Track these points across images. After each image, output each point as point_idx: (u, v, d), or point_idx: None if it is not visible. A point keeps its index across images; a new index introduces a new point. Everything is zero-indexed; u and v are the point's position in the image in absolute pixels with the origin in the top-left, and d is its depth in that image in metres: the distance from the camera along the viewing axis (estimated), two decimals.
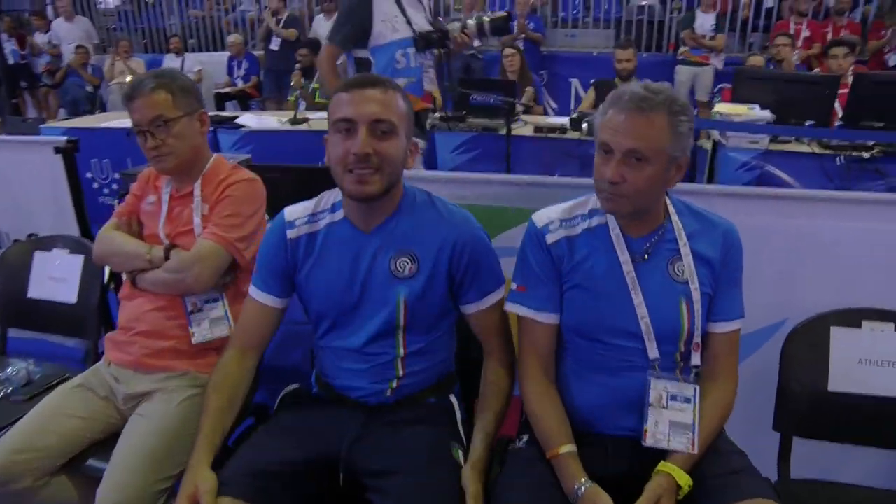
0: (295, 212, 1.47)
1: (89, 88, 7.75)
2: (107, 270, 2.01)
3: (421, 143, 2.95)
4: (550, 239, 1.39)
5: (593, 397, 1.37)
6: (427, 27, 2.78)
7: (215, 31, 9.14)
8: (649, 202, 1.32)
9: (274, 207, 1.96)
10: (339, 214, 1.43)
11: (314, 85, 5.53)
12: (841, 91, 3.87)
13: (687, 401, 1.32)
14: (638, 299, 1.33)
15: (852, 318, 1.54)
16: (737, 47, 7.49)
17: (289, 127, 4.50)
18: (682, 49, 6.65)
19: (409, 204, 1.43)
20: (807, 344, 1.55)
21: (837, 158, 3.48)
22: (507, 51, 5.62)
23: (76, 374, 1.73)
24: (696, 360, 1.37)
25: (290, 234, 1.44)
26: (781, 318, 1.65)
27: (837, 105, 3.92)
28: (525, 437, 1.41)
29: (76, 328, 2.02)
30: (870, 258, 1.61)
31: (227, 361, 1.46)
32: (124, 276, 1.75)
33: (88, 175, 4.42)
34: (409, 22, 2.71)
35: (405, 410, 1.44)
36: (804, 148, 3.64)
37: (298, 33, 7.14)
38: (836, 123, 3.77)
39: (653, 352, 1.33)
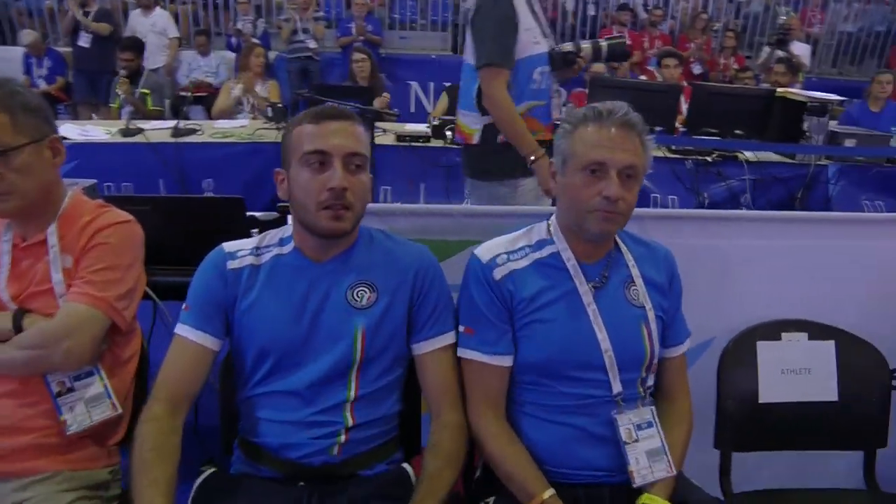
0: (235, 245, 1.34)
1: None
2: None
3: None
4: (499, 274, 1.30)
5: (555, 440, 1.29)
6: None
7: (1, 21, 7.83)
8: (628, 220, 1.29)
9: (147, 255, 1.63)
10: (289, 247, 1.32)
11: (142, 90, 4.91)
12: None
13: (650, 425, 1.30)
14: (601, 333, 1.28)
15: (774, 330, 1.62)
16: None
17: (121, 139, 3.92)
18: None
19: (366, 238, 1.35)
20: (738, 360, 1.60)
21: (686, 162, 3.78)
22: (357, 55, 5.42)
23: None
24: (650, 381, 1.37)
25: (232, 264, 1.30)
26: (710, 337, 1.69)
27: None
28: (491, 500, 1.29)
29: None
30: (786, 272, 1.70)
31: (159, 417, 1.21)
32: None
33: None
34: (545, 35, 2.38)
35: (355, 487, 1.26)
36: (657, 153, 3.91)
37: (113, 29, 6.32)
38: (681, 130, 4.10)
39: (616, 385, 1.28)
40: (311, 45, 6.77)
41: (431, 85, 7.58)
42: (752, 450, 1.59)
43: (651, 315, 1.32)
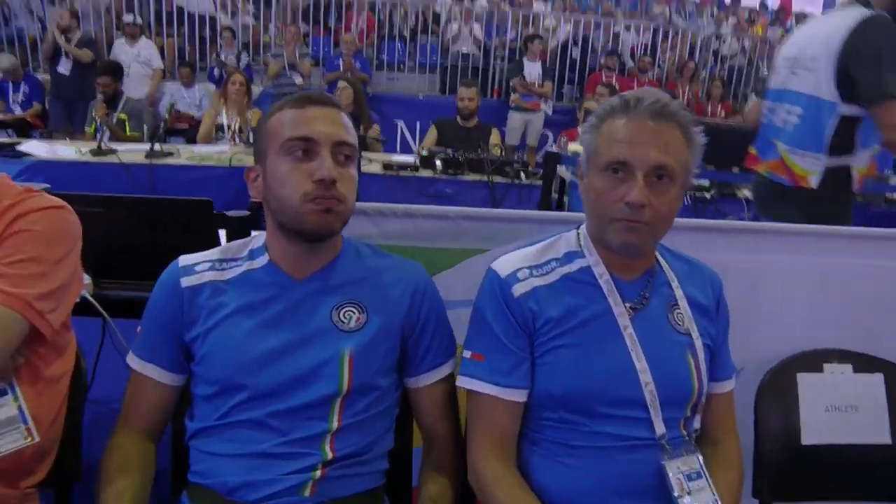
0: (192, 258, 1.14)
1: None
2: None
3: None
4: (520, 290, 1.09)
5: (582, 490, 1.06)
6: None
7: None
8: (664, 233, 1.08)
9: (94, 261, 1.40)
10: (262, 260, 1.13)
11: (120, 115, 4.71)
12: None
13: (699, 475, 1.08)
14: (641, 363, 1.06)
15: (815, 361, 1.43)
16: (555, 97, 7.96)
17: (91, 158, 3.69)
18: (513, 96, 6.85)
19: (351, 251, 1.17)
20: (777, 395, 1.39)
21: (686, 197, 3.65)
22: (341, 83, 5.22)
23: None
24: (697, 423, 1.15)
25: (188, 281, 1.10)
26: (737, 367, 1.48)
27: None
28: None
29: None
30: (821, 294, 1.51)
31: (122, 445, 1.10)
32: None
33: None
34: None
35: None
36: None
37: (94, 57, 6.16)
38: None
39: (659, 426, 1.06)
40: (298, 80, 6.69)
41: (418, 123, 7.51)
42: (797, 500, 1.37)
43: (698, 343, 1.11)
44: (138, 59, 6.69)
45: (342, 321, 1.09)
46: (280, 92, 6.55)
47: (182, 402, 1.16)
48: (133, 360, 1.12)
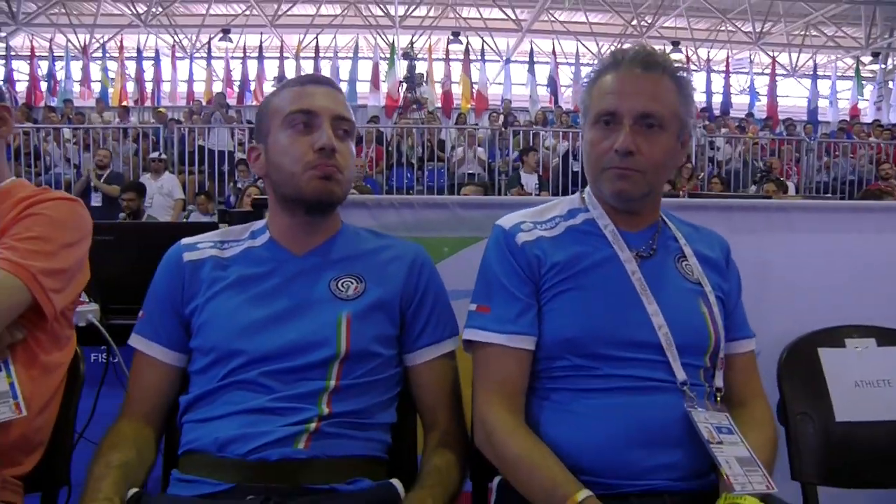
0: (194, 238, 1.16)
1: None
2: None
3: None
4: (524, 238, 1.09)
5: (600, 435, 1.00)
6: None
7: None
8: (661, 182, 1.11)
9: (102, 289, 1.43)
10: (262, 238, 1.14)
11: None
12: None
13: (730, 431, 1.01)
14: (652, 306, 1.04)
15: (835, 337, 1.37)
16: None
17: None
18: None
19: (350, 231, 1.18)
20: (800, 371, 1.32)
21: None
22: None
23: None
24: (719, 381, 1.09)
25: (189, 255, 1.12)
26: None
27: None
28: None
29: None
30: (828, 270, 1.49)
31: (122, 425, 1.07)
32: None
33: None
34: None
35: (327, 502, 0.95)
36: None
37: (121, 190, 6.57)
38: None
39: (679, 371, 1.02)
40: None
41: None
42: (838, 485, 1.26)
43: (710, 293, 1.09)
44: (161, 191, 7.12)
45: (340, 290, 1.09)
46: None
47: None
48: (136, 340, 1.11)
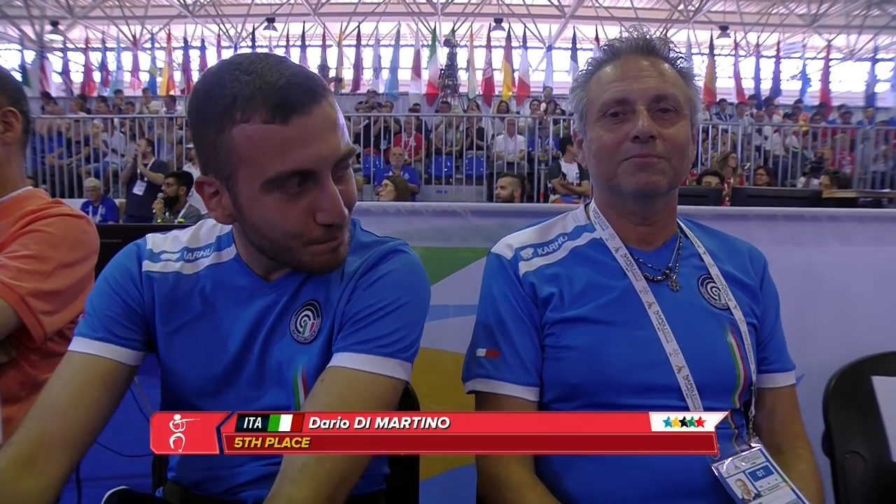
0: (162, 242, 0.97)
1: None
2: None
3: None
4: (524, 269, 1.00)
5: (616, 492, 0.92)
6: None
7: (73, 178, 8.45)
8: (684, 174, 0.99)
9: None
10: (229, 253, 0.95)
11: (180, 219, 5.01)
12: None
13: (768, 470, 0.92)
14: (671, 344, 0.94)
15: (891, 363, 1.26)
16: None
17: None
18: (552, 197, 6.96)
19: None
20: (850, 403, 1.22)
21: None
22: (384, 182, 5.24)
23: None
24: (752, 411, 1.00)
25: (150, 266, 0.94)
26: (798, 374, 1.33)
27: None
28: None
29: None
30: (887, 289, 1.37)
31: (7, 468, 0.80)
32: None
33: None
34: None
35: None
36: None
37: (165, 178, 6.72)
38: None
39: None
40: None
41: None
42: None
43: (739, 318, 0.98)
44: None
45: (298, 330, 0.92)
46: None
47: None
48: (76, 343, 0.88)
